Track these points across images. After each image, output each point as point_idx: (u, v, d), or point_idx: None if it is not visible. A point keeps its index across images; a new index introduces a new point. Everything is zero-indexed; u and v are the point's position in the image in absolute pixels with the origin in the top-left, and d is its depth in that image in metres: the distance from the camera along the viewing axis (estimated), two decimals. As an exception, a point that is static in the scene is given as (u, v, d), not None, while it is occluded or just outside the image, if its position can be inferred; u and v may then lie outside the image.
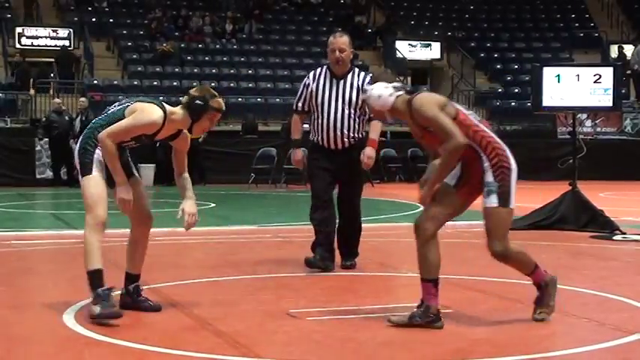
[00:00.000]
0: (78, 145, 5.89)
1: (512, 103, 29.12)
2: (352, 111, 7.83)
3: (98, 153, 5.76)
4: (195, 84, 27.03)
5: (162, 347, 4.85)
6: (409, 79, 31.44)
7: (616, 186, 20.33)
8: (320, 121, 7.85)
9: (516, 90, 30.15)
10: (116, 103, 6.01)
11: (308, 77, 8.01)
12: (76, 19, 29.53)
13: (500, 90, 30.53)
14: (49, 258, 9.34)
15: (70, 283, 7.43)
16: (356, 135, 7.88)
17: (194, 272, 7.87)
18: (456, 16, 35.48)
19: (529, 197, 16.40)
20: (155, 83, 26.72)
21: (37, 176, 21.49)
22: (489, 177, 5.37)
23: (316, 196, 7.87)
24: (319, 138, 7.88)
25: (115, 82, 26.84)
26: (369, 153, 7.78)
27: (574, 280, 7.28)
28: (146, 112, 5.71)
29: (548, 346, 5.01)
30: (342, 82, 7.92)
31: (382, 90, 5.46)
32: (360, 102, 7.71)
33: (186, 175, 6.02)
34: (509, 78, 31.37)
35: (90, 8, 30.83)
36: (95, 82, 26.48)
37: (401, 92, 5.49)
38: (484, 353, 4.81)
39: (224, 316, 5.75)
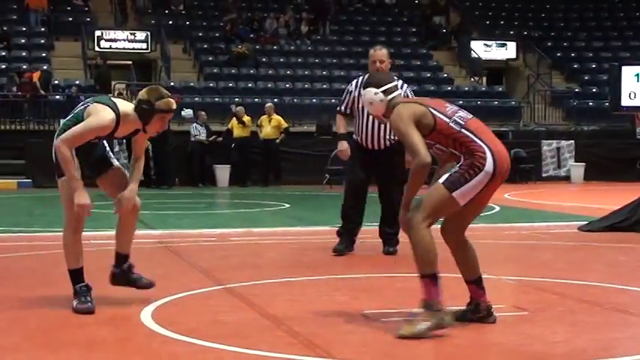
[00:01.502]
0: (54, 144, 6.05)
1: (590, 103, 28.69)
2: None
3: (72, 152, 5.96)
4: (270, 85, 27.21)
5: (238, 347, 4.89)
6: (484, 79, 31.21)
7: (697, 187, 19.89)
8: (361, 123, 8.77)
9: (594, 90, 29.71)
10: (80, 103, 6.21)
11: (351, 84, 8.94)
12: (153, 22, 29.95)
13: (577, 90, 30.09)
14: (127, 257, 9.46)
15: (147, 283, 7.53)
16: (394, 137, 8.61)
17: (269, 272, 7.91)
18: (532, 15, 35.07)
19: (607, 198, 16.16)
20: (230, 85, 26.97)
21: (116, 177, 21.79)
22: (457, 166, 5.23)
23: (349, 191, 9.07)
24: (360, 138, 8.82)
25: (191, 84, 27.15)
26: None
27: (654, 283, 7.15)
28: (98, 117, 5.87)
29: (628, 349, 4.92)
30: None
31: (372, 96, 5.44)
32: None
33: (140, 161, 6.23)
34: (586, 77, 30.91)
35: (167, 11, 31.25)
36: (172, 84, 26.80)
37: (394, 94, 5.44)
38: (562, 356, 4.75)
39: (299, 316, 5.77)
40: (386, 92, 5.43)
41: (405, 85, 8.82)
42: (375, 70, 8.56)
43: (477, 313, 5.49)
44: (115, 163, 6.36)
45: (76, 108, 6.14)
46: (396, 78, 5.62)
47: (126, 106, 5.97)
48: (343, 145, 8.91)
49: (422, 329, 5.06)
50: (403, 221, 5.37)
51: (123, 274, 6.36)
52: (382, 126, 8.58)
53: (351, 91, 8.84)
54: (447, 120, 5.26)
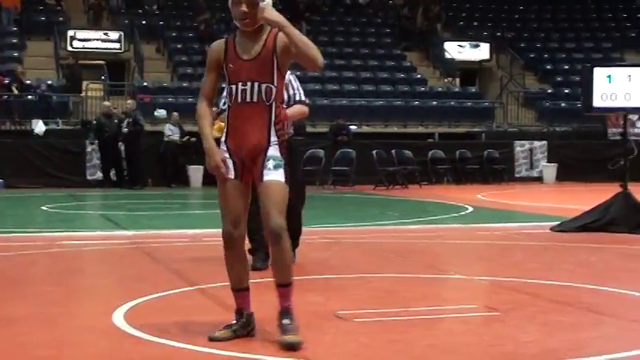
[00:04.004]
0: None
1: (563, 104, 28.86)
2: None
3: None
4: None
5: (210, 348, 4.88)
6: (458, 80, 31.31)
7: (668, 188, 20.03)
8: None
9: (566, 91, 29.88)
10: None
11: None
12: (126, 21, 29.82)
13: (550, 91, 30.29)
14: (99, 258, 9.44)
15: (119, 284, 7.51)
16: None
17: (242, 273, 7.87)
18: (505, 16, 35.25)
19: (579, 199, 16.25)
20: (204, 85, 26.87)
21: (88, 177, 21.75)
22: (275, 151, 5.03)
23: (253, 200, 7.92)
24: None
25: (165, 84, 27.05)
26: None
27: (624, 283, 7.20)
28: None
29: (598, 349, 4.94)
30: None
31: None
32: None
33: None
34: (559, 78, 31.10)
35: (140, 11, 31.12)
36: (145, 84, 26.71)
37: None
38: (533, 357, 4.77)
39: (271, 317, 5.74)
40: None
41: None
42: None
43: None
44: None
45: None
46: None
47: None
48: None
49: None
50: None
51: None
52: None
53: None
54: None
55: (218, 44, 5.17)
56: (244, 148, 5.03)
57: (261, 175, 5.00)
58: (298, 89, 8.04)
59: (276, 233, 4.94)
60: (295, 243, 8.37)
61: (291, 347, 4.82)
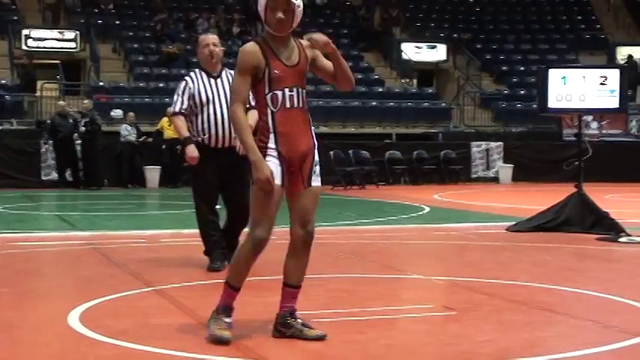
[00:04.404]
0: None
1: (518, 105, 29.12)
2: None
3: None
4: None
5: (166, 349, 4.85)
6: (415, 81, 31.46)
7: (621, 188, 20.31)
8: (204, 119, 7.91)
9: (522, 92, 30.16)
10: None
11: (186, 81, 8.07)
12: (82, 21, 29.59)
13: (506, 92, 30.55)
14: (55, 259, 9.36)
15: (75, 285, 7.45)
16: None
17: (199, 274, 7.87)
18: (462, 17, 35.49)
19: (534, 199, 16.41)
20: (161, 85, 26.76)
21: (43, 178, 21.56)
22: (316, 155, 5.23)
23: (205, 201, 8.03)
24: (205, 137, 7.91)
25: (121, 84, 26.88)
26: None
27: (579, 282, 7.28)
28: None
29: (552, 348, 5.00)
30: (219, 80, 8.04)
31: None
32: None
33: None
34: (515, 80, 31.37)
35: (96, 10, 30.90)
36: (101, 84, 26.53)
37: None
38: (488, 355, 4.81)
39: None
40: None
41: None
42: (208, 54, 7.92)
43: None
44: None
45: None
46: None
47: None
48: (194, 151, 7.86)
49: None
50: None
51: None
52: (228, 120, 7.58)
53: (191, 87, 8.00)
54: None
55: (254, 47, 5.12)
56: (296, 154, 5.09)
57: (310, 180, 5.15)
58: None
59: (313, 237, 5.24)
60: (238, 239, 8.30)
61: (321, 339, 5.09)
